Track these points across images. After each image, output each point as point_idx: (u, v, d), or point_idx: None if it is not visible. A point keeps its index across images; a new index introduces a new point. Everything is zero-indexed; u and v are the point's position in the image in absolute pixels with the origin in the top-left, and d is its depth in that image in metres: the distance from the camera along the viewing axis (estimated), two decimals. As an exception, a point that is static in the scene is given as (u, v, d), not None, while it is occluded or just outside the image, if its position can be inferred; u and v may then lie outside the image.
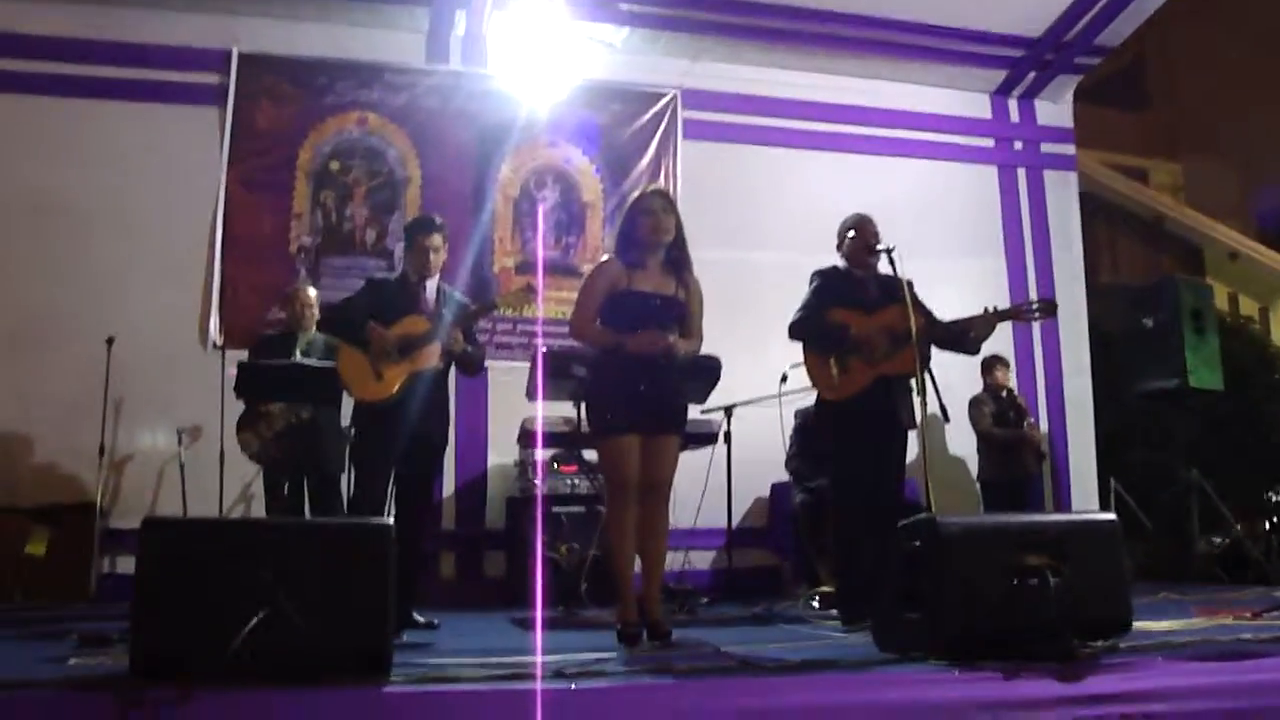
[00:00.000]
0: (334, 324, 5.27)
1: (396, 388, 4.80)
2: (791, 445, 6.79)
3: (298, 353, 5.97)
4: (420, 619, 4.81)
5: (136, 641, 2.89)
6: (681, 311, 4.33)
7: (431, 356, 4.88)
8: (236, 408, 6.03)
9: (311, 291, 6.23)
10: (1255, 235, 16.21)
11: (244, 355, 6.25)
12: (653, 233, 4.26)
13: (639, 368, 4.19)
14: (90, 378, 6.42)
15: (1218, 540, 8.08)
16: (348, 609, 2.97)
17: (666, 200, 4.38)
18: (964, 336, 5.00)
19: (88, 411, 6.48)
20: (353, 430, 5.08)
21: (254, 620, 2.81)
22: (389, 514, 4.75)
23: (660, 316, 4.25)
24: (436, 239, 5.02)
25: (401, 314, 4.89)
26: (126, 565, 6.34)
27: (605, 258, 4.47)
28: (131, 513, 6.45)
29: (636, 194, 4.47)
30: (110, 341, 6.41)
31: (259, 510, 6.62)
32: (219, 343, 6.92)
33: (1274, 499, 9.97)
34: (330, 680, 2.79)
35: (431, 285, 5.05)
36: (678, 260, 4.36)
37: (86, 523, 6.30)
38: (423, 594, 5.27)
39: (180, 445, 6.56)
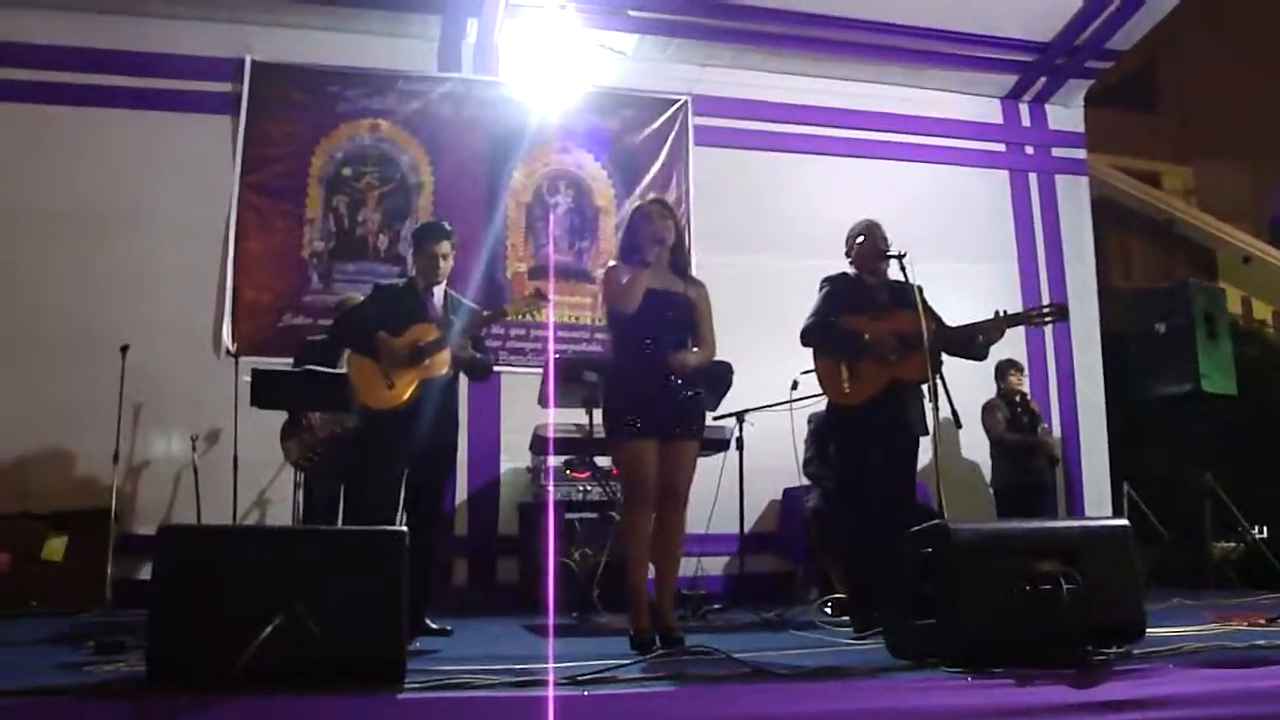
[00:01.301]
0: (342, 333, 5.28)
1: (407, 395, 4.81)
2: (808, 449, 6.78)
3: (343, 362, 5.93)
4: (433, 625, 4.82)
5: (153, 648, 2.91)
6: (689, 306, 4.39)
7: (441, 364, 4.90)
8: (250, 414, 6.04)
9: (360, 299, 6.20)
10: (1268, 238, 16.13)
11: (258, 361, 6.31)
12: (651, 237, 4.33)
13: (656, 373, 4.23)
14: (104, 384, 6.43)
15: (1233, 545, 8.06)
16: (362, 616, 2.98)
17: (664, 207, 4.53)
18: (972, 341, 4.98)
19: (102, 418, 6.49)
20: (362, 436, 5.08)
21: (269, 628, 2.82)
22: (400, 521, 4.77)
23: (670, 311, 4.33)
24: (445, 246, 5.03)
25: (409, 321, 4.90)
26: (142, 571, 6.37)
27: (613, 263, 4.54)
28: (146, 519, 6.52)
29: (637, 205, 4.54)
30: (125, 349, 6.43)
31: (274, 517, 6.66)
32: (232, 349, 6.95)
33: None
34: (345, 687, 2.80)
35: (439, 292, 5.06)
36: (679, 264, 4.45)
37: (101, 529, 6.30)
38: (436, 600, 5.28)
39: (194, 452, 6.59)
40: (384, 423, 4.83)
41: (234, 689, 2.68)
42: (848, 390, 4.92)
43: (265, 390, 5.80)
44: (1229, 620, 4.63)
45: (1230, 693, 2.93)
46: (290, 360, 6.27)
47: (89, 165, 7.11)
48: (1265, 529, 8.86)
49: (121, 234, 7.05)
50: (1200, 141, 17.38)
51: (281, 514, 6.56)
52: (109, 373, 6.42)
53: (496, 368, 7.27)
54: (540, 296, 5.20)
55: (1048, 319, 5.18)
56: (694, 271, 4.65)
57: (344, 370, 5.29)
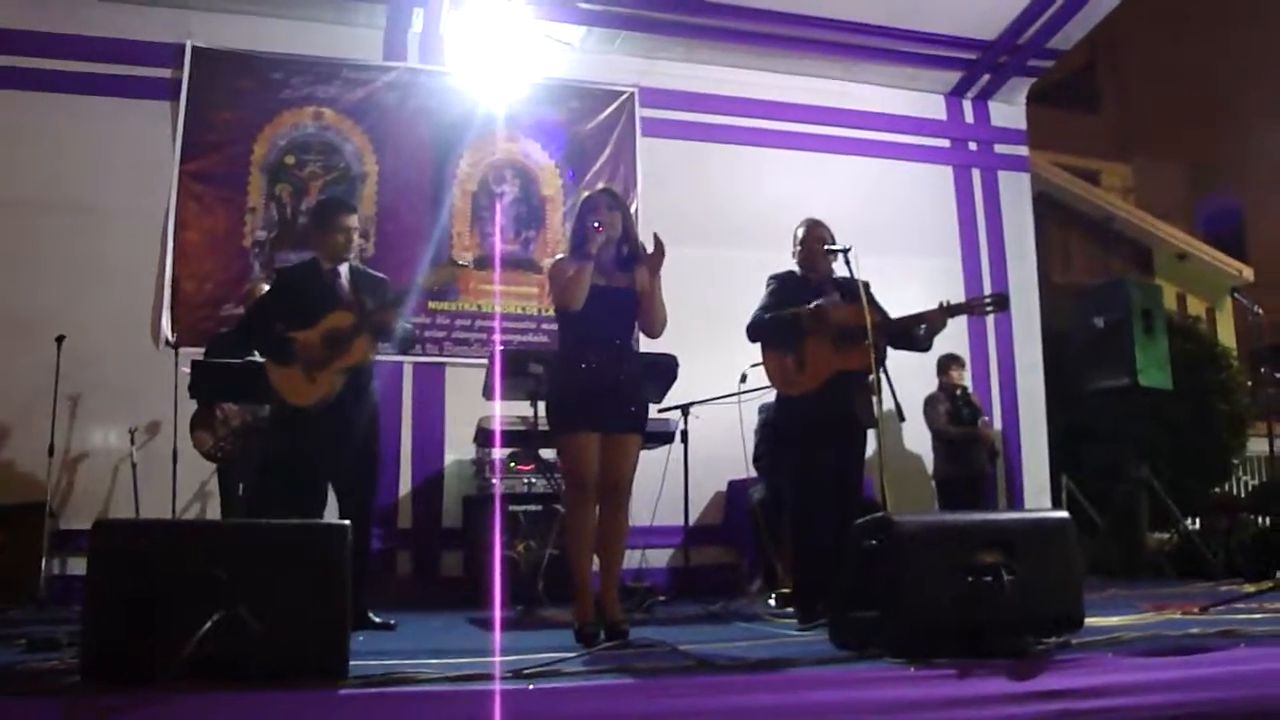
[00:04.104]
0: (255, 341, 5.14)
1: (330, 389, 4.74)
2: (758, 441, 6.81)
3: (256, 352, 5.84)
4: (376, 619, 4.77)
5: (88, 645, 2.85)
6: (635, 301, 4.35)
7: (360, 351, 4.81)
8: (190, 406, 5.96)
9: (266, 287, 6.11)
10: (1202, 236, 16.48)
11: (197, 352, 6.18)
12: (597, 231, 4.27)
13: (599, 365, 4.21)
14: (40, 376, 6.29)
15: (1166, 536, 8.22)
16: (304, 611, 2.95)
17: (612, 198, 4.44)
18: (915, 332, 5.03)
19: (37, 410, 6.36)
20: (280, 432, 4.99)
21: (209, 623, 2.78)
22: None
23: (614, 305, 4.30)
24: (354, 220, 4.98)
25: (319, 306, 4.81)
26: (77, 567, 6.25)
27: (560, 255, 4.50)
28: (83, 513, 6.38)
29: (585, 194, 4.49)
30: (60, 339, 6.29)
31: (214, 511, 6.55)
32: (171, 340, 6.82)
33: (1219, 493, 10.19)
34: (287, 683, 2.76)
35: (345, 270, 4.98)
36: (628, 255, 4.39)
37: (35, 523, 6.18)
38: (379, 594, 5.23)
39: (132, 444, 6.47)
40: (306, 419, 4.75)
41: (172, 686, 2.63)
42: (795, 381, 4.96)
43: (205, 382, 5.71)
44: (1164, 609, 4.72)
45: (1166, 680, 2.98)
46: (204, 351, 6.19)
47: (23, 151, 6.94)
48: (1197, 520, 9.07)
49: (57, 222, 6.88)
50: (1139, 141, 17.72)
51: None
52: (44, 364, 6.28)
53: (441, 359, 7.27)
54: (453, 263, 5.13)
55: (989, 308, 5.23)
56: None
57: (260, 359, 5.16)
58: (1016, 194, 9.21)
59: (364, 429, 4.91)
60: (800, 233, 5.18)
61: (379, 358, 5.18)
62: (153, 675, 2.67)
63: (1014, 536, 3.45)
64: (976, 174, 9.13)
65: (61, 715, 2.52)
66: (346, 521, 3.22)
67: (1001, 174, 9.19)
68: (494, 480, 6.42)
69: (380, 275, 5.16)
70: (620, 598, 4.49)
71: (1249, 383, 10.81)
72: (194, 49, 7.31)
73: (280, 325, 4.86)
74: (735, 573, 7.38)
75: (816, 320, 4.90)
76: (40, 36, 7.06)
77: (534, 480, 6.56)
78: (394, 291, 5.02)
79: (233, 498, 5.97)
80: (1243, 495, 10.78)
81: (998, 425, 8.54)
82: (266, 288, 6.01)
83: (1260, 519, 9.29)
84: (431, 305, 7.32)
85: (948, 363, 7.70)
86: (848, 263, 4.79)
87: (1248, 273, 15.64)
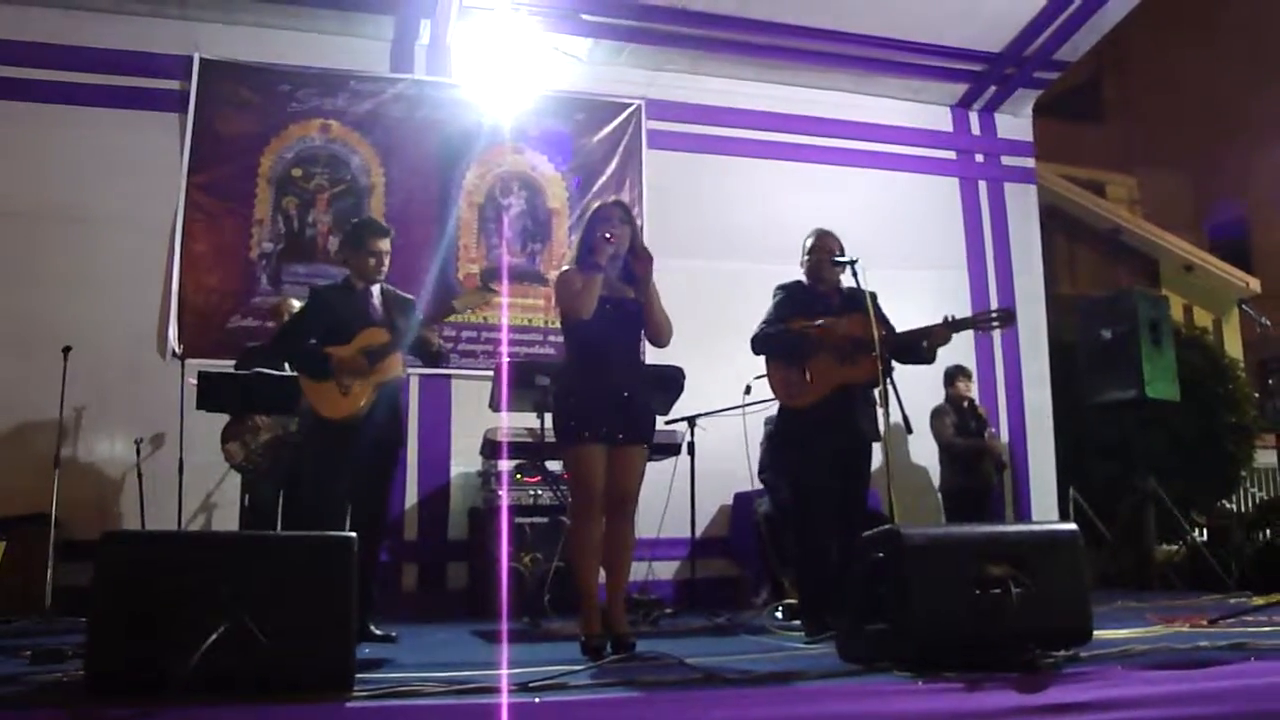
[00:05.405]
0: (291, 359, 5.17)
1: (364, 403, 4.77)
2: (763, 455, 6.79)
3: (287, 365, 5.83)
4: (378, 631, 4.77)
5: (93, 657, 2.85)
6: (641, 313, 4.34)
7: (393, 367, 4.86)
8: (196, 418, 5.96)
9: (295, 302, 6.13)
10: (1209, 247, 16.43)
11: (204, 364, 6.22)
12: (608, 242, 4.26)
13: (606, 377, 4.21)
14: (46, 386, 6.29)
15: (1175, 548, 8.18)
16: (310, 624, 2.94)
17: (623, 210, 4.44)
18: (920, 345, 5.01)
19: (43, 421, 6.37)
20: (309, 443, 5.01)
21: (214, 635, 2.77)
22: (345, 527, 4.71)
23: (620, 317, 4.29)
24: (386, 243, 5.02)
25: (355, 325, 4.86)
26: (83, 578, 6.21)
27: (566, 267, 4.50)
28: (89, 524, 6.34)
29: (595, 205, 4.49)
30: (67, 350, 6.29)
31: (220, 522, 6.55)
32: (178, 351, 6.82)
33: (1226, 506, 10.13)
34: (292, 695, 2.76)
35: (376, 290, 5.02)
36: (632, 269, 4.38)
37: (41, 534, 6.17)
38: (386, 606, 5.22)
39: (138, 455, 6.47)
40: (336, 431, 4.77)
41: (178, 698, 2.63)
42: (798, 393, 4.94)
43: (212, 393, 5.72)
44: (1172, 622, 4.70)
45: (1175, 694, 2.97)
46: (234, 364, 6.21)
47: (31, 162, 6.97)
48: (1205, 532, 9.03)
49: (65, 233, 6.91)
50: (1144, 152, 17.69)
51: (228, 519, 6.46)
52: (50, 374, 6.28)
53: (447, 371, 7.27)
54: (486, 289, 5.16)
55: (994, 324, 5.21)
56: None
57: (293, 373, 5.21)
58: (1023, 206, 9.21)
59: (389, 444, 4.94)
60: (809, 242, 5.16)
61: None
62: (158, 687, 2.66)
63: (1022, 549, 3.44)
64: (983, 186, 9.13)
65: (67, 727, 2.52)
66: (353, 534, 3.21)
67: (1008, 186, 9.19)
68: (500, 492, 6.41)
69: (408, 296, 5.22)
70: (626, 610, 4.49)
71: (1256, 395, 10.77)
72: (202, 61, 7.34)
73: (315, 341, 4.90)
74: (741, 585, 7.36)
75: (823, 343, 4.89)
76: (48, 48, 7.08)
77: (540, 492, 6.55)
78: (424, 311, 5.09)
79: (259, 511, 5.95)
80: (1249, 508, 10.72)
81: (1005, 437, 8.52)
82: (296, 303, 6.07)
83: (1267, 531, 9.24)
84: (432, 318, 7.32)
85: (955, 374, 7.68)
86: (855, 275, 4.78)
87: (1254, 284, 15.59)
